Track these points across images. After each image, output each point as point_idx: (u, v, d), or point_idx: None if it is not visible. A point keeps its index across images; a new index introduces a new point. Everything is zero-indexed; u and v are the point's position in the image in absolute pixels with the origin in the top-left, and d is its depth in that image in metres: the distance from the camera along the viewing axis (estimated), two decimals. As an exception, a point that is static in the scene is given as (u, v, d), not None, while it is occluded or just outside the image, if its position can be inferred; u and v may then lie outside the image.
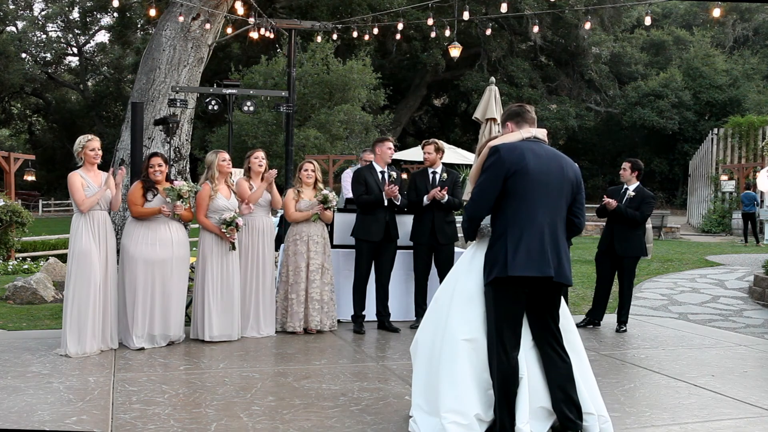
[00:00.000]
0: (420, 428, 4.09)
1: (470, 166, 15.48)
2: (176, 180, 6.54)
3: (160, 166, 6.50)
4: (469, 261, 4.15)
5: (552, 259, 3.83)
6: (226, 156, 6.89)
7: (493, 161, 3.89)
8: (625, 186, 7.49)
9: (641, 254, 7.51)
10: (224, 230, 6.60)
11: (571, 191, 4.01)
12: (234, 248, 6.75)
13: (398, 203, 7.19)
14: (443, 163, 7.50)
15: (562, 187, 3.96)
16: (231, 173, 7.09)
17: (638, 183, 7.49)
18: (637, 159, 7.79)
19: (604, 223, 7.75)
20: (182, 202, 6.37)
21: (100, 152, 6.23)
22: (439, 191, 7.08)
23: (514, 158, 3.87)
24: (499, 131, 11.63)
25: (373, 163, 7.31)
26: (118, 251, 6.61)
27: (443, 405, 3.94)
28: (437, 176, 7.31)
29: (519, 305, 3.90)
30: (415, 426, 4.15)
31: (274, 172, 6.99)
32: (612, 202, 7.28)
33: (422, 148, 7.51)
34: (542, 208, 3.88)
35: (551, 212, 3.91)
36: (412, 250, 7.49)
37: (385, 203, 7.11)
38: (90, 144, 6.18)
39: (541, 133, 4.09)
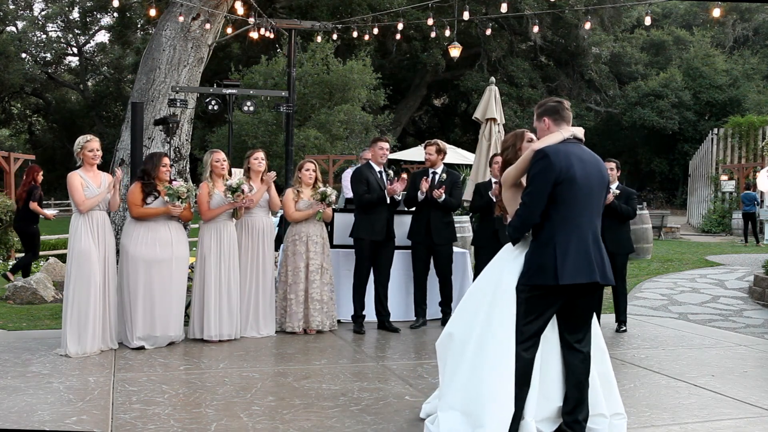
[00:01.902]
0: (448, 427, 3.99)
1: (470, 166, 15.48)
2: (175, 180, 6.55)
3: (170, 166, 6.60)
4: (514, 259, 4.07)
5: (597, 263, 3.88)
6: (221, 156, 6.89)
7: (544, 166, 3.85)
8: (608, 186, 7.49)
9: (632, 251, 7.59)
10: (230, 197, 6.61)
11: (604, 193, 4.11)
12: (238, 217, 6.78)
13: (399, 198, 7.20)
14: (444, 164, 7.50)
15: (601, 190, 4.04)
16: (231, 172, 7.10)
17: (618, 182, 7.56)
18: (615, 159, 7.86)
19: None
20: (181, 202, 6.38)
21: (99, 153, 6.24)
22: (436, 190, 7.08)
23: (564, 165, 3.86)
24: (499, 131, 11.64)
25: (371, 163, 7.33)
26: (117, 251, 6.62)
27: (490, 417, 3.84)
28: (437, 177, 7.31)
29: (553, 310, 3.93)
30: (443, 426, 4.02)
31: (273, 174, 6.98)
32: (609, 196, 7.29)
33: (424, 149, 7.51)
34: (586, 213, 3.93)
35: (593, 216, 3.98)
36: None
37: (388, 201, 7.11)
38: (88, 145, 6.19)
39: (580, 133, 4.08)
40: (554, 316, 3.99)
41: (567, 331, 3.99)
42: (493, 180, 7.26)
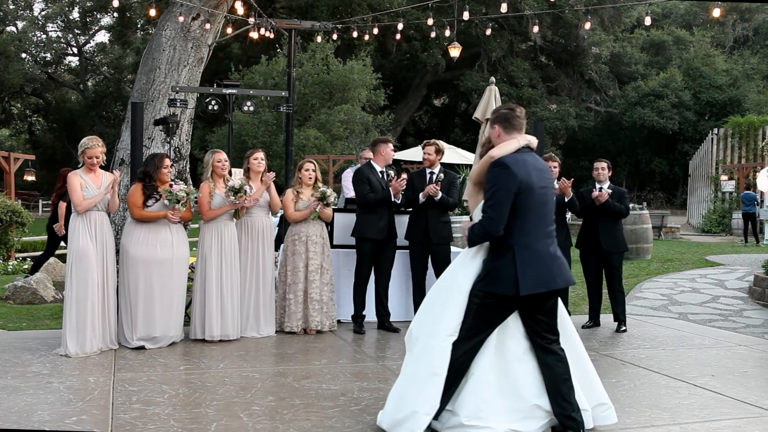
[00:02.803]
0: (386, 420, 4.14)
1: (470, 166, 15.49)
2: (176, 183, 6.53)
3: (171, 167, 6.60)
4: (470, 261, 4.15)
5: (555, 270, 3.96)
6: (222, 157, 6.88)
7: (504, 176, 3.91)
8: (599, 186, 7.50)
9: (626, 249, 7.66)
10: (232, 198, 6.60)
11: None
12: (239, 217, 6.78)
13: (399, 201, 7.18)
14: (441, 164, 7.51)
15: (554, 198, 4.19)
16: (231, 172, 7.10)
17: (609, 182, 7.60)
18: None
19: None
20: (181, 205, 6.38)
21: (98, 159, 6.19)
22: (432, 186, 7.07)
23: (524, 174, 3.93)
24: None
25: (372, 162, 7.32)
26: (117, 251, 6.62)
27: (413, 413, 3.98)
28: (434, 177, 7.31)
29: (505, 318, 4.03)
30: (383, 416, 4.19)
31: (271, 174, 6.97)
32: (603, 194, 7.30)
33: (422, 149, 7.51)
34: (543, 222, 4.02)
35: (549, 224, 4.07)
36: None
37: (393, 199, 7.10)
38: (89, 151, 6.15)
39: (534, 142, 4.15)
40: (520, 320, 4.06)
41: (537, 336, 4.06)
42: None
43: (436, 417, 4.00)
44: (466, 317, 4.00)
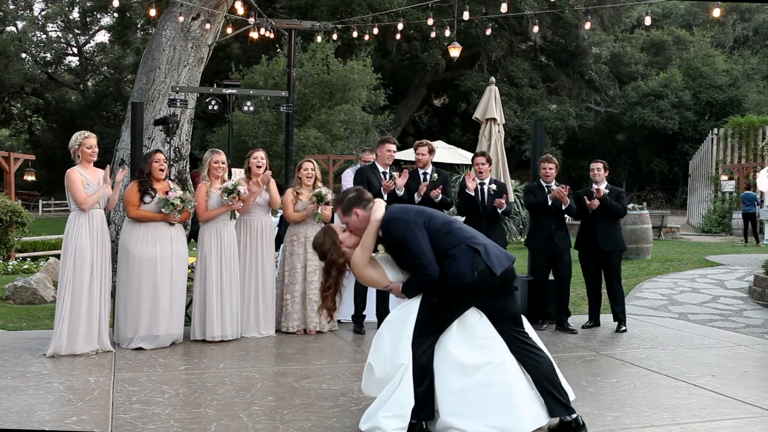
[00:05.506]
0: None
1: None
2: (171, 190, 6.46)
3: (164, 162, 6.54)
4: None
5: (503, 250, 4.23)
6: (220, 158, 6.85)
7: (402, 225, 4.06)
8: (596, 186, 7.50)
9: (624, 248, 7.68)
10: (226, 199, 6.58)
11: None
12: (235, 217, 6.75)
13: (401, 194, 7.12)
14: (433, 163, 7.53)
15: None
16: (231, 172, 7.10)
17: (606, 182, 7.60)
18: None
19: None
20: (178, 212, 6.38)
21: (96, 149, 6.21)
22: (434, 190, 7.07)
23: (412, 209, 4.20)
24: (499, 131, 11.63)
25: (376, 164, 7.32)
26: (115, 251, 6.61)
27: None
28: (428, 177, 7.31)
29: (466, 309, 4.11)
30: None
31: (268, 173, 6.94)
32: (594, 203, 7.29)
33: (415, 149, 7.51)
34: (464, 227, 4.26)
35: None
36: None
37: (385, 198, 7.08)
38: (87, 141, 6.15)
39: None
40: (506, 331, 4.12)
41: (515, 325, 4.15)
42: (477, 180, 7.47)
43: (431, 417, 4.02)
44: (421, 317, 4.05)
